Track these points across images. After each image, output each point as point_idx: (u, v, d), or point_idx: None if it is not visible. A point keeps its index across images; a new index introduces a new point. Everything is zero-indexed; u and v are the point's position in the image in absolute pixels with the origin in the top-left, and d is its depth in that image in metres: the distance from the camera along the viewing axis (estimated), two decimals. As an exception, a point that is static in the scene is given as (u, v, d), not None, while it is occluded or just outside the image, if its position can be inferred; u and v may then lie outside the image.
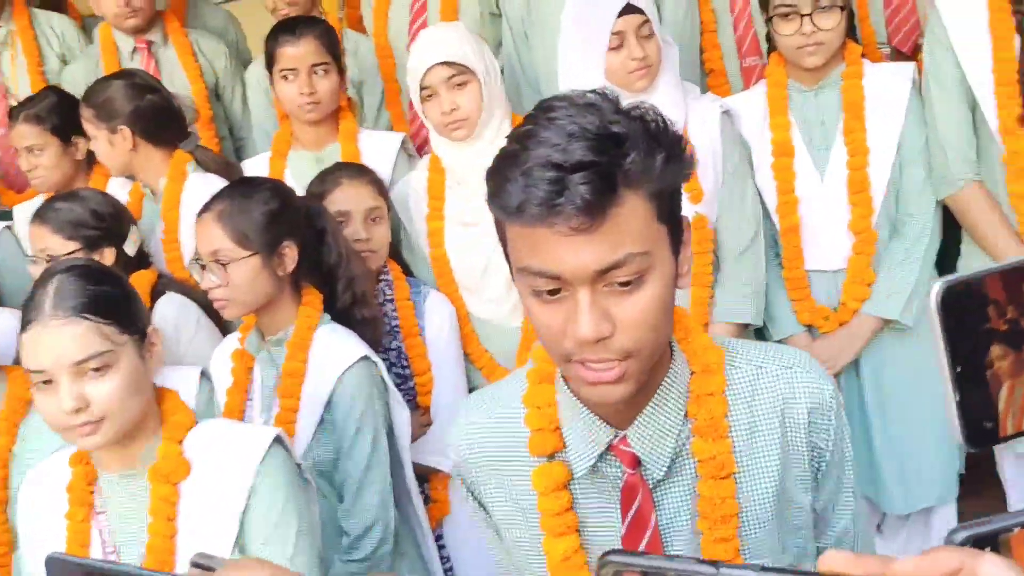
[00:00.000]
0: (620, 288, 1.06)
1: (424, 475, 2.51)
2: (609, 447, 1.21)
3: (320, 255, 2.23)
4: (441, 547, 2.56)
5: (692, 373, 1.23)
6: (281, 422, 2.10)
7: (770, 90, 2.46)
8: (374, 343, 2.24)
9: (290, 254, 2.13)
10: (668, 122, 1.10)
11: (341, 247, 2.26)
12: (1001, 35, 2.24)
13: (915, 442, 2.42)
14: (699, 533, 1.22)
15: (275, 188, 2.21)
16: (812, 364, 1.26)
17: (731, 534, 1.20)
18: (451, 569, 2.61)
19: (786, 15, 2.32)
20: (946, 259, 2.46)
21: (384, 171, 2.81)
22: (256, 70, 3.22)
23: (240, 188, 2.18)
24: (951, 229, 2.46)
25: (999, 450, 2.54)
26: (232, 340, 2.30)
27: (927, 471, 2.45)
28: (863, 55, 2.46)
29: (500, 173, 1.08)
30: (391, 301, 2.53)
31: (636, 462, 1.21)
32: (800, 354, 1.28)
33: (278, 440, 1.65)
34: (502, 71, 2.71)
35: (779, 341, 2.46)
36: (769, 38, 2.50)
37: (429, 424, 2.53)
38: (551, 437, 1.24)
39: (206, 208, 2.12)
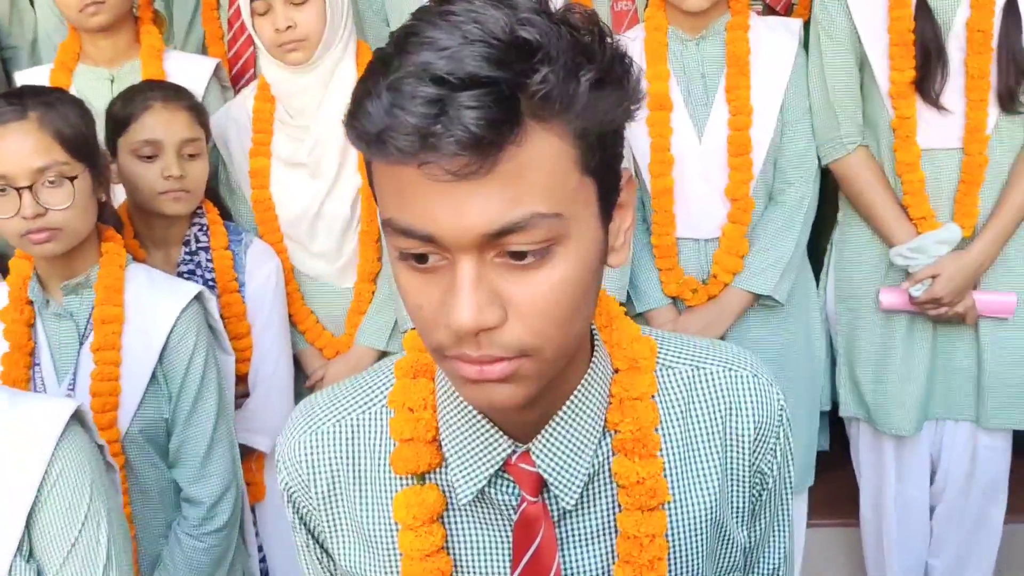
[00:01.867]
0: (518, 262, 0.77)
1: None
2: (504, 466, 0.92)
3: None
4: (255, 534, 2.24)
5: (616, 371, 0.95)
6: (100, 381, 1.76)
7: (648, 35, 2.22)
8: None
9: (113, 171, 1.84)
10: (609, 34, 0.79)
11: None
12: (898, -10, 2.10)
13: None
14: None
15: (67, 94, 1.85)
16: (759, 366, 1.01)
17: None
18: (264, 559, 2.29)
19: None
20: (817, 225, 2.33)
21: (192, 100, 2.43)
22: None
23: (41, 92, 1.77)
24: (822, 197, 2.33)
25: (854, 431, 2.47)
26: None
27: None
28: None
29: (363, 86, 0.75)
30: (205, 250, 2.16)
31: (539, 486, 0.92)
32: (744, 353, 1.02)
33: (76, 417, 1.31)
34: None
35: (641, 314, 2.26)
36: (653, -24, 2.26)
37: (246, 396, 2.20)
38: (425, 451, 0.93)
39: (5, 117, 1.68)
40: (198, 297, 1.85)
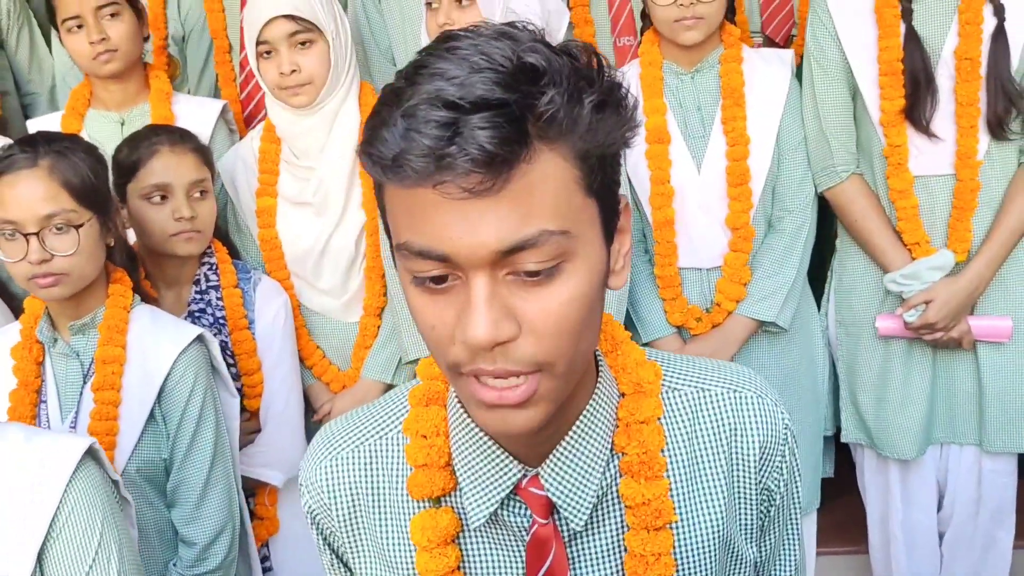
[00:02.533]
0: (529, 278, 0.80)
1: (250, 489, 2.20)
2: (515, 489, 0.95)
3: None
4: (267, 570, 2.26)
5: (622, 395, 0.98)
6: (99, 420, 1.78)
7: (643, 70, 2.27)
8: None
9: (118, 222, 1.86)
10: (607, 64, 0.84)
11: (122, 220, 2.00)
12: (887, 22, 2.14)
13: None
14: None
15: (81, 141, 1.87)
16: (763, 386, 1.04)
17: None
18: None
19: None
20: (817, 255, 2.36)
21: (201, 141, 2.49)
22: None
23: (54, 140, 1.81)
24: (823, 223, 2.37)
25: (859, 457, 2.48)
26: (6, 336, 1.90)
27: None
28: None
29: (377, 116, 0.80)
30: (215, 288, 2.19)
31: (550, 509, 0.95)
32: (747, 373, 1.05)
33: (90, 453, 1.33)
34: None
35: (648, 343, 2.28)
36: (644, 15, 2.31)
37: (257, 431, 2.22)
38: (439, 475, 0.97)
39: (18, 165, 1.74)
40: (200, 339, 1.87)
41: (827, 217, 2.38)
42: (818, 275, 2.43)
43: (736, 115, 2.21)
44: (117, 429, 1.79)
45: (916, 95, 2.15)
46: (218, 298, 2.17)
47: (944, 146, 2.18)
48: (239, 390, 2.13)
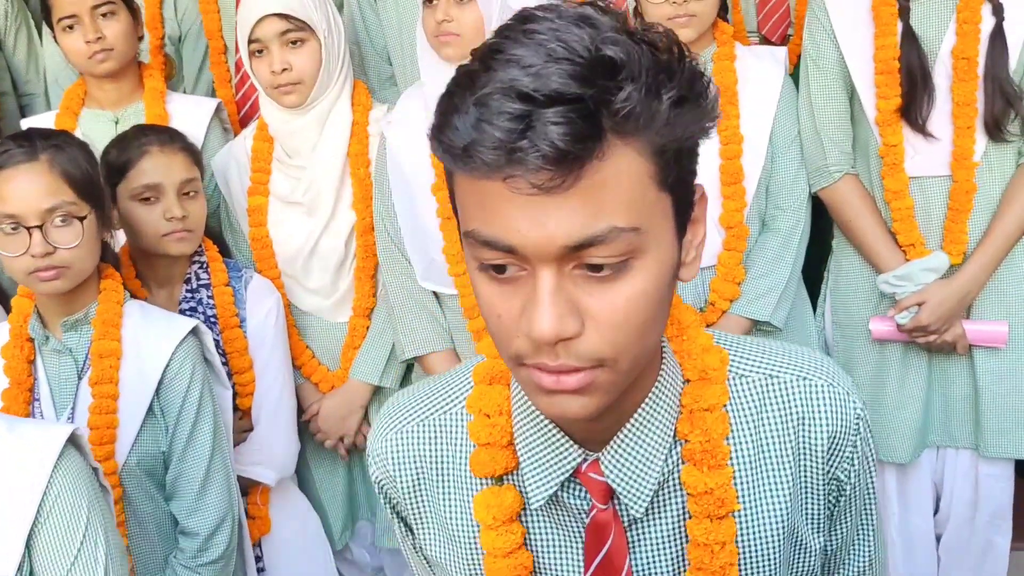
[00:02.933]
0: (596, 274, 0.79)
1: (243, 488, 2.19)
2: (575, 473, 0.94)
3: None
4: (260, 570, 2.25)
5: (686, 382, 0.97)
6: (98, 414, 1.78)
7: (636, 69, 2.25)
8: None
9: (114, 217, 1.88)
10: (689, 53, 0.81)
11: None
12: (884, 20, 2.12)
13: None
14: None
15: (74, 137, 1.90)
16: (837, 372, 1.01)
17: None
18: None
19: None
20: (813, 256, 2.34)
21: (195, 140, 2.49)
22: None
23: (49, 135, 1.82)
24: (817, 222, 2.34)
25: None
26: None
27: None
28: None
29: (449, 101, 0.78)
30: (206, 287, 2.19)
31: (609, 494, 0.95)
32: (820, 358, 1.02)
33: (71, 440, 1.34)
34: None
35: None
36: (636, 12, 2.29)
37: (249, 430, 2.21)
38: (501, 455, 0.97)
39: (16, 159, 1.74)
40: (194, 331, 1.87)
41: (823, 217, 2.36)
42: (814, 276, 2.41)
43: (729, 113, 2.19)
44: (117, 423, 1.79)
45: (912, 94, 2.12)
46: (209, 296, 2.17)
47: (940, 147, 2.15)
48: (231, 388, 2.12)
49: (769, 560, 0.99)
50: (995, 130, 2.11)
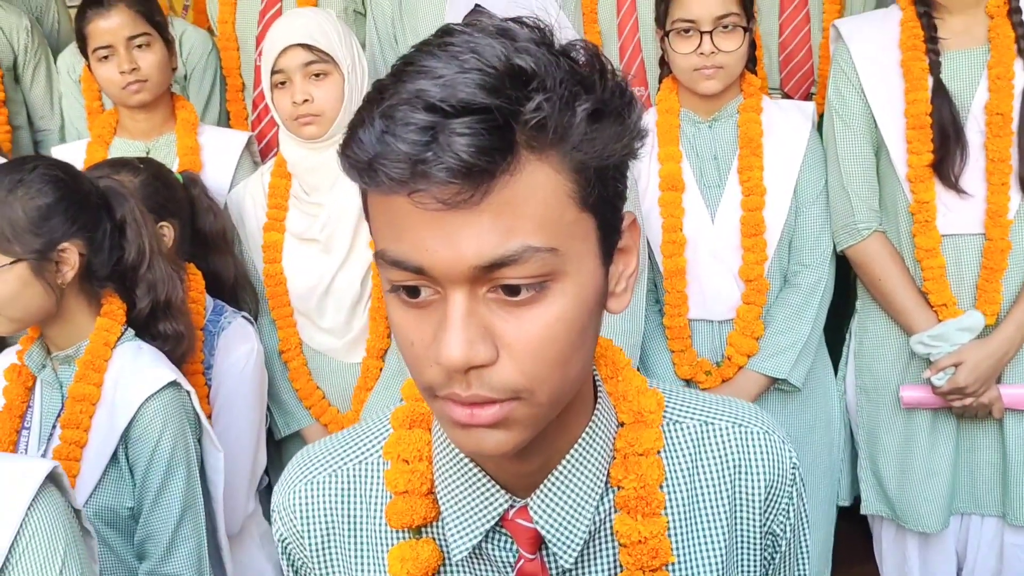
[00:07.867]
0: (512, 298, 0.74)
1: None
2: (501, 520, 0.88)
3: (122, 251, 1.81)
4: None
5: (620, 425, 0.91)
6: (60, 458, 1.69)
7: (660, 117, 2.22)
8: (180, 363, 1.85)
9: (69, 259, 1.71)
10: (611, 68, 0.77)
11: (143, 240, 1.83)
12: (915, 75, 2.07)
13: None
14: None
15: (50, 175, 1.73)
16: (770, 423, 0.97)
17: None
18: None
19: (685, 31, 2.10)
20: (834, 317, 2.27)
21: (226, 172, 2.50)
22: (68, 58, 2.88)
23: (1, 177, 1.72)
24: (841, 282, 2.27)
25: (876, 527, 2.36)
26: (9, 355, 1.87)
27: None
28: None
29: (358, 114, 0.74)
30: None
31: (538, 543, 0.89)
32: (754, 409, 0.98)
33: (53, 477, 1.28)
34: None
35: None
36: (663, 62, 2.27)
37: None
38: (420, 504, 0.91)
39: None
40: (178, 385, 1.77)
41: (846, 277, 2.28)
42: (835, 338, 2.33)
43: (753, 164, 2.14)
44: (78, 471, 1.70)
45: (945, 149, 2.06)
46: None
47: (973, 203, 2.08)
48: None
49: None
50: None
